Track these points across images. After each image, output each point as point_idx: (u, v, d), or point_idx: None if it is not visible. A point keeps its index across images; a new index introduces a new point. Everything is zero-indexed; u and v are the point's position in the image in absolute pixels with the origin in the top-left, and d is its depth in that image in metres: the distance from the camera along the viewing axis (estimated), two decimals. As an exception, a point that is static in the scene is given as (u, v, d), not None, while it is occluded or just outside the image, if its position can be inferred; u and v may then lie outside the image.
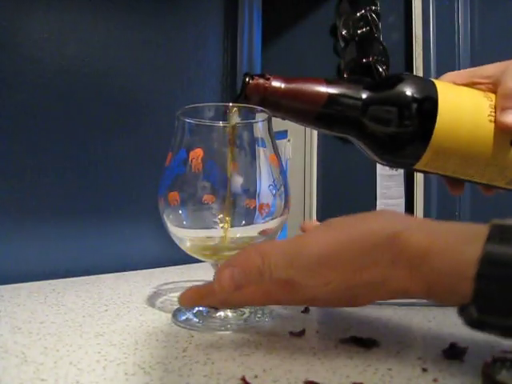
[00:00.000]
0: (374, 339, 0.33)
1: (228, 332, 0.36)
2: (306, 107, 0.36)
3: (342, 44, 1.99)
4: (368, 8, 1.87)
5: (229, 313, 0.40)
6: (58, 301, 0.47)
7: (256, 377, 0.26)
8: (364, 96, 0.36)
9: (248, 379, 0.26)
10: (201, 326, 0.37)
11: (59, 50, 0.65)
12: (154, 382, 0.25)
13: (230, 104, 0.38)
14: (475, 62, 1.54)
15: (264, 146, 0.40)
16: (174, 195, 0.39)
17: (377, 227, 0.30)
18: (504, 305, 0.25)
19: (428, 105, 0.35)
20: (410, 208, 1.72)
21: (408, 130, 0.35)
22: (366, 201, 1.90)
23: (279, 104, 0.36)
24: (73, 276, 0.61)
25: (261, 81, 0.35)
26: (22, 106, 0.61)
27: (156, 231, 0.76)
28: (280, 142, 0.37)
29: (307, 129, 2.20)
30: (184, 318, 0.39)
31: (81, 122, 0.67)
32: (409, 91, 0.35)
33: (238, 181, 0.38)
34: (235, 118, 0.37)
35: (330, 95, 0.35)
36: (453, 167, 0.37)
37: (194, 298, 0.35)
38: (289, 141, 0.35)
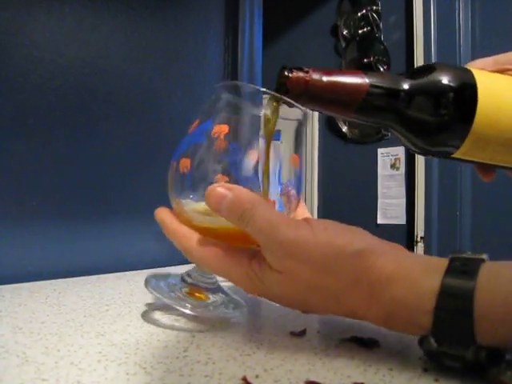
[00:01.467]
0: (375, 339, 0.33)
1: (229, 332, 0.36)
2: (348, 99, 0.36)
3: (343, 44, 2.00)
4: (369, 8, 1.88)
5: (201, 294, 0.38)
6: (59, 301, 0.47)
7: (257, 377, 0.26)
8: (404, 85, 0.36)
9: (249, 379, 0.26)
10: (166, 296, 0.36)
11: (60, 50, 0.65)
12: (155, 382, 0.25)
13: (270, 98, 0.36)
14: (476, 61, 1.54)
15: (279, 138, 0.38)
16: (186, 162, 0.37)
17: (348, 240, 0.30)
18: (462, 336, 0.25)
19: (468, 93, 0.35)
20: (410, 208, 1.72)
21: (449, 119, 0.35)
22: (367, 200, 1.90)
23: (320, 97, 0.36)
24: (74, 276, 0.61)
25: (301, 74, 0.35)
26: (22, 106, 0.61)
27: (157, 231, 0.75)
28: (273, 143, 0.37)
29: (307, 130, 2.19)
30: (154, 284, 0.38)
31: (81, 122, 0.67)
32: (448, 79, 0.35)
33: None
34: (275, 112, 0.36)
35: (371, 85, 0.36)
36: (490, 154, 0.37)
37: (163, 224, 0.38)
38: (282, 142, 0.35)
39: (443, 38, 1.62)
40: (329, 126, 2.13)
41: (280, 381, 0.26)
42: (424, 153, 0.39)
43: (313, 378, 0.26)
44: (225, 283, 0.40)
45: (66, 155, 0.65)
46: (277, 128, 0.37)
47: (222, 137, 0.36)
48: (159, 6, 0.77)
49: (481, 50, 1.54)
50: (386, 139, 1.86)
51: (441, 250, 1.56)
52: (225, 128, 0.36)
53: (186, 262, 0.76)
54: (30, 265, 0.60)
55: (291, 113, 0.38)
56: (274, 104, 0.36)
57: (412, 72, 0.38)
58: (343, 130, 2.04)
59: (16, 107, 0.60)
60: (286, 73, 0.35)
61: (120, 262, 0.69)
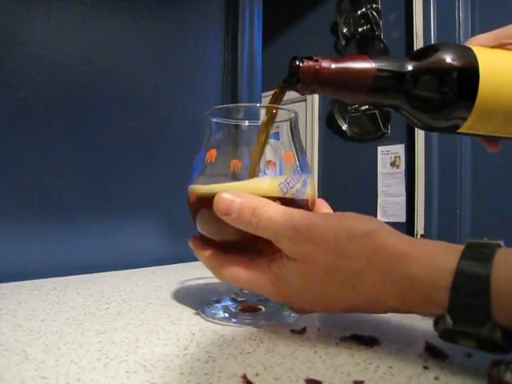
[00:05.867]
0: (375, 337, 0.33)
1: (229, 330, 0.36)
2: (357, 83, 0.38)
3: (343, 42, 2.00)
4: (369, 6, 1.88)
5: (253, 307, 0.40)
6: (59, 299, 0.47)
7: (257, 375, 0.26)
8: (410, 66, 0.38)
9: (249, 377, 0.26)
10: (220, 319, 0.38)
11: (61, 49, 0.65)
12: (155, 380, 0.25)
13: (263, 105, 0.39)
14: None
15: (277, 138, 0.40)
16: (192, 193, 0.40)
17: (359, 223, 0.32)
18: (479, 314, 0.26)
19: (470, 70, 0.37)
20: (411, 206, 1.72)
21: (453, 97, 0.37)
22: (367, 198, 1.90)
23: (330, 83, 0.38)
24: (74, 274, 0.61)
25: (311, 62, 0.37)
26: (23, 104, 0.60)
27: (157, 229, 0.76)
28: (276, 143, 0.39)
29: (307, 128, 2.19)
30: (209, 311, 0.40)
31: (82, 120, 0.67)
32: (451, 58, 0.37)
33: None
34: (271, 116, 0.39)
35: (379, 69, 0.37)
36: (494, 127, 0.39)
37: (195, 250, 0.40)
38: (281, 143, 0.35)
39: (443, 36, 1.62)
40: (329, 125, 2.13)
41: (280, 379, 0.26)
42: (432, 129, 0.41)
43: (313, 376, 0.26)
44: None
45: (66, 153, 0.65)
46: (274, 130, 0.39)
47: (213, 160, 0.39)
48: (160, 5, 0.77)
49: (481, 48, 1.54)
50: (386, 137, 1.86)
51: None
52: (213, 152, 0.39)
53: (184, 260, 0.76)
54: (30, 263, 0.60)
55: (281, 115, 0.40)
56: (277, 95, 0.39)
57: (416, 53, 0.39)
58: (343, 128, 2.03)
59: (16, 105, 0.60)
60: (297, 62, 0.37)
61: (120, 260, 0.69)
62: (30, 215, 0.61)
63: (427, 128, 0.41)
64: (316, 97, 2.19)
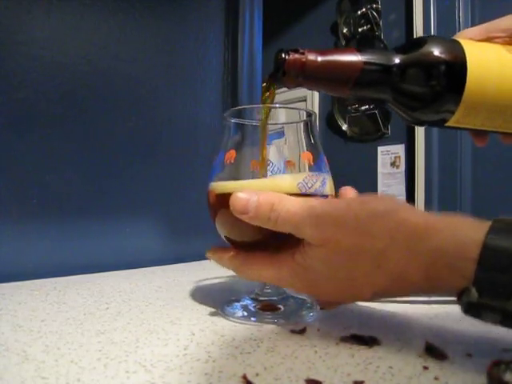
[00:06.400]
0: (375, 337, 0.33)
1: (230, 330, 0.36)
2: (343, 77, 0.37)
3: (343, 42, 2.00)
4: (369, 6, 1.88)
5: (272, 306, 0.41)
6: (59, 299, 0.47)
7: (257, 375, 0.26)
8: (397, 60, 0.38)
9: (249, 377, 0.26)
10: (240, 318, 0.39)
11: (60, 48, 0.65)
12: (155, 380, 0.25)
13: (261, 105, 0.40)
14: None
15: (280, 137, 0.40)
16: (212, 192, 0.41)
17: (378, 202, 0.32)
18: (505, 288, 0.25)
19: (458, 64, 0.37)
20: (410, 206, 1.72)
21: (441, 90, 0.37)
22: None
23: (316, 76, 0.37)
24: (74, 274, 0.61)
25: (297, 55, 0.36)
26: (23, 104, 0.60)
27: (157, 229, 0.76)
28: (278, 142, 0.39)
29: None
30: (231, 310, 0.40)
31: (81, 120, 0.67)
32: (438, 52, 0.37)
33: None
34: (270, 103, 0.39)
35: (365, 62, 0.37)
36: (481, 121, 0.39)
37: (212, 257, 0.39)
38: (286, 143, 0.35)
39: (443, 35, 1.62)
40: (329, 125, 2.13)
41: (280, 379, 0.26)
42: (420, 123, 0.41)
43: (313, 376, 0.26)
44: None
45: (66, 153, 0.65)
46: (281, 129, 0.39)
47: (232, 161, 0.39)
48: (160, 5, 0.77)
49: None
50: (386, 137, 1.86)
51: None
52: (233, 153, 0.39)
53: (184, 260, 0.77)
54: (30, 263, 0.60)
55: (296, 115, 0.41)
56: (267, 93, 0.40)
57: (404, 46, 0.39)
58: (343, 128, 2.03)
59: (16, 105, 0.60)
60: (282, 55, 0.37)
61: (120, 260, 0.69)
62: (30, 215, 0.61)
63: (415, 122, 0.41)
64: (316, 96, 2.19)
